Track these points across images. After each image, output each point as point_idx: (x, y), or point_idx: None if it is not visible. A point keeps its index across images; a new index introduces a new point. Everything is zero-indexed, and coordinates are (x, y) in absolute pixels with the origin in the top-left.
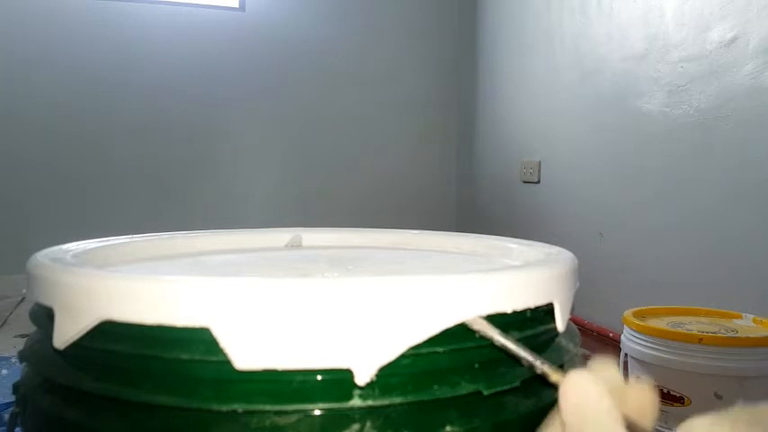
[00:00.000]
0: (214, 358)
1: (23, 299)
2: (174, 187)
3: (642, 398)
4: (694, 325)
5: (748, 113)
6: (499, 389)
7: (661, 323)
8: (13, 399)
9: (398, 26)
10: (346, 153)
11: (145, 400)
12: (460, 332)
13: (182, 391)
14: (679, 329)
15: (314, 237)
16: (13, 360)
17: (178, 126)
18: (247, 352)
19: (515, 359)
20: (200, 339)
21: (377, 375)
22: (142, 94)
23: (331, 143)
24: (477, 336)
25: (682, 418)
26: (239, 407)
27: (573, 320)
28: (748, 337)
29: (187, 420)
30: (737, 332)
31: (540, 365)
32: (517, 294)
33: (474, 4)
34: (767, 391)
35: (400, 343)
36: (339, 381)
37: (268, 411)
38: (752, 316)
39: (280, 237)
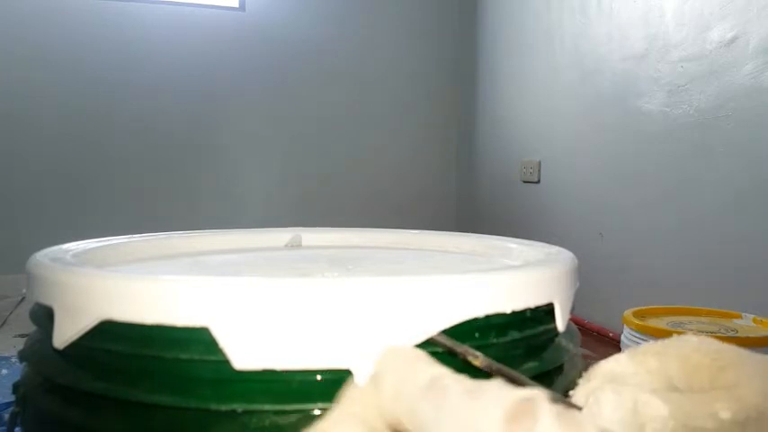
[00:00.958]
0: (213, 358)
1: (23, 299)
2: (173, 187)
3: None
4: (694, 325)
5: (748, 113)
6: None
7: (661, 323)
8: (13, 399)
9: (398, 26)
10: (346, 153)
11: (144, 399)
12: (460, 332)
13: (181, 390)
14: (679, 329)
15: (314, 236)
16: (13, 360)
17: (178, 126)
18: (246, 352)
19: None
20: (200, 339)
21: None
22: (142, 94)
23: (331, 143)
24: (476, 335)
25: None
26: (238, 407)
27: (573, 320)
28: (748, 337)
29: (186, 420)
30: (737, 332)
31: (462, 350)
32: (517, 294)
33: (474, 4)
34: None
35: (399, 343)
36: (339, 381)
37: (267, 411)
38: (752, 316)
39: (279, 237)
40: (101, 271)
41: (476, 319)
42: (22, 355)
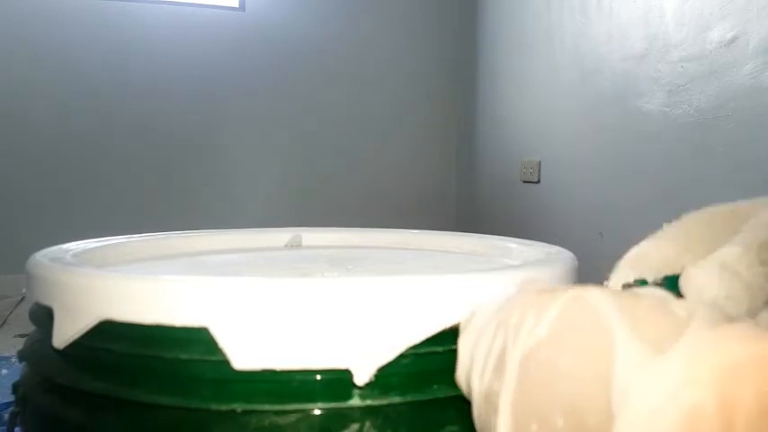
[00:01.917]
0: (213, 358)
1: (23, 299)
2: (173, 187)
3: None
4: None
5: (748, 113)
6: None
7: None
8: (13, 398)
9: (398, 26)
10: (346, 153)
11: (144, 399)
12: (457, 332)
13: (181, 390)
14: None
15: (314, 236)
16: (13, 360)
17: (178, 126)
18: (246, 352)
19: None
20: (199, 339)
21: (376, 375)
22: (142, 94)
23: (331, 143)
24: None
25: None
26: (238, 406)
27: None
28: None
29: (186, 420)
30: None
31: None
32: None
33: (474, 4)
34: None
35: (399, 343)
36: (338, 381)
37: (267, 411)
38: None
39: (280, 237)
40: (100, 271)
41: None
42: (22, 355)
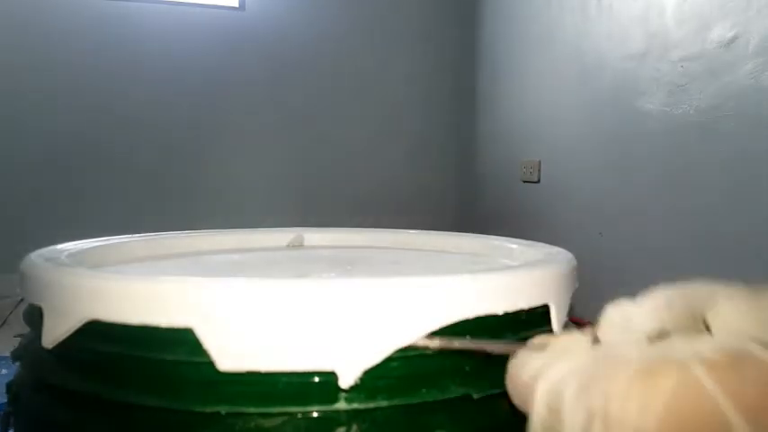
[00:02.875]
0: (198, 359)
1: (23, 299)
2: (174, 186)
3: None
4: None
5: (748, 113)
6: (490, 393)
7: None
8: None
9: (398, 26)
10: (346, 153)
11: (129, 400)
12: (450, 334)
13: (166, 392)
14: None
15: (315, 236)
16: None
17: (178, 125)
18: (231, 353)
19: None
20: (184, 340)
21: (363, 378)
22: (142, 94)
23: (331, 143)
24: (467, 338)
25: None
26: (223, 409)
27: (573, 320)
28: None
29: (171, 422)
30: None
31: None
32: (509, 295)
33: (474, 3)
34: None
35: (386, 345)
36: (324, 384)
37: (252, 414)
38: None
39: (282, 236)
40: (87, 271)
41: (466, 321)
42: (15, 355)
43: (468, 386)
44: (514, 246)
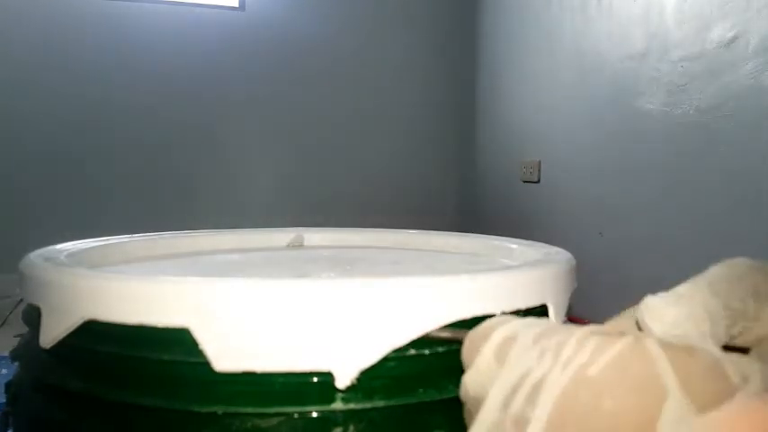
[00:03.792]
0: (194, 359)
1: (23, 298)
2: (173, 186)
3: None
4: None
5: (748, 113)
6: None
7: None
8: None
9: (398, 26)
10: (346, 153)
11: (126, 400)
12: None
13: (163, 392)
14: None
15: (316, 236)
16: None
17: (178, 125)
18: (227, 354)
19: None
20: (181, 340)
21: (359, 378)
22: (142, 94)
23: (331, 143)
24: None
25: None
26: (220, 409)
27: (572, 320)
28: None
29: (167, 422)
30: None
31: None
32: (506, 296)
33: (474, 4)
34: None
35: (382, 345)
36: (320, 384)
37: (249, 414)
38: None
39: (282, 236)
40: (84, 271)
41: (462, 322)
42: (13, 355)
43: None
44: (514, 246)
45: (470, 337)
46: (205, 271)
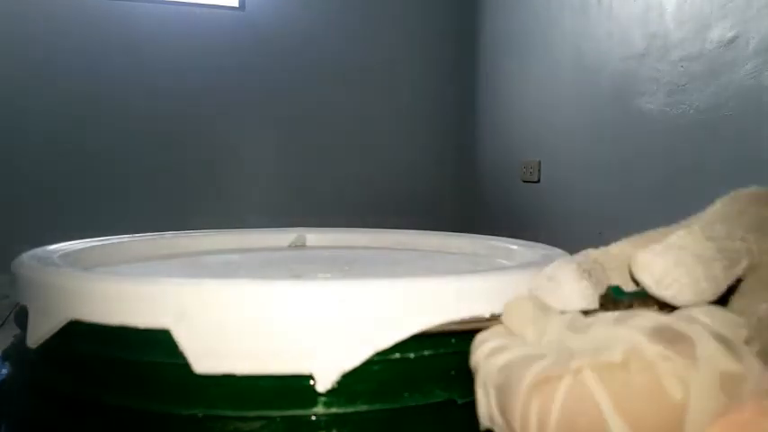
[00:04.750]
0: (174, 361)
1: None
2: (173, 186)
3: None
4: None
5: (748, 113)
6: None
7: None
8: None
9: (398, 26)
10: (346, 153)
11: (108, 401)
12: (434, 337)
13: (143, 393)
14: None
15: (317, 237)
16: None
17: (178, 125)
18: (207, 355)
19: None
20: (161, 341)
21: (342, 382)
22: (141, 94)
23: (331, 143)
24: (452, 341)
25: None
26: (200, 412)
27: None
28: None
29: (148, 423)
30: None
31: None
32: (495, 297)
33: (474, 4)
34: None
35: (365, 348)
36: (302, 387)
37: (230, 417)
38: None
39: (283, 237)
40: (68, 271)
41: (449, 324)
42: (4, 355)
43: (452, 391)
44: (514, 247)
45: (472, 356)
46: (200, 271)
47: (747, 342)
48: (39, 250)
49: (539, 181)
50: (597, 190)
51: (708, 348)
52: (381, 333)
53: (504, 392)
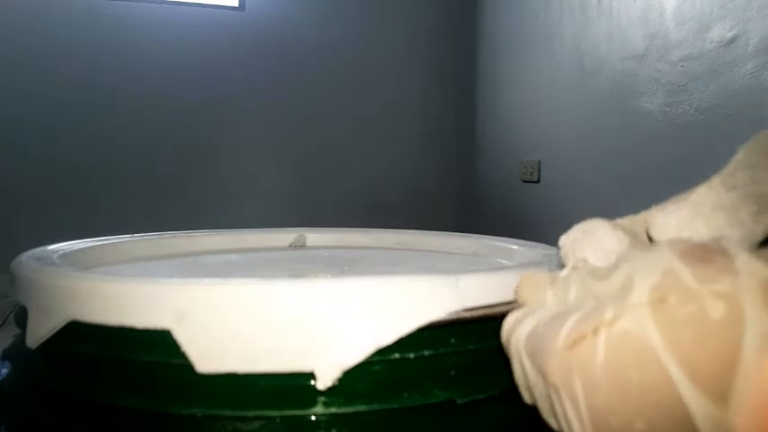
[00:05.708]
0: (175, 361)
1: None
2: (173, 186)
3: None
4: None
5: (749, 113)
6: (474, 397)
7: None
8: None
9: (398, 26)
10: (346, 153)
11: (108, 401)
12: (435, 337)
13: (143, 393)
14: None
15: (318, 237)
16: None
17: (178, 125)
18: (207, 355)
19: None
20: (161, 342)
21: (342, 381)
22: (141, 94)
23: (331, 143)
24: (452, 341)
25: None
26: (199, 411)
27: None
28: None
29: (147, 423)
30: None
31: None
32: (494, 296)
33: (474, 3)
34: None
35: (365, 346)
36: (302, 387)
37: (229, 417)
38: None
39: (284, 237)
40: (67, 271)
41: (448, 322)
42: (5, 355)
43: (451, 390)
44: (515, 246)
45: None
46: (200, 271)
47: None
48: (38, 250)
49: (539, 181)
50: (597, 190)
51: (743, 258)
52: (382, 331)
53: (538, 357)
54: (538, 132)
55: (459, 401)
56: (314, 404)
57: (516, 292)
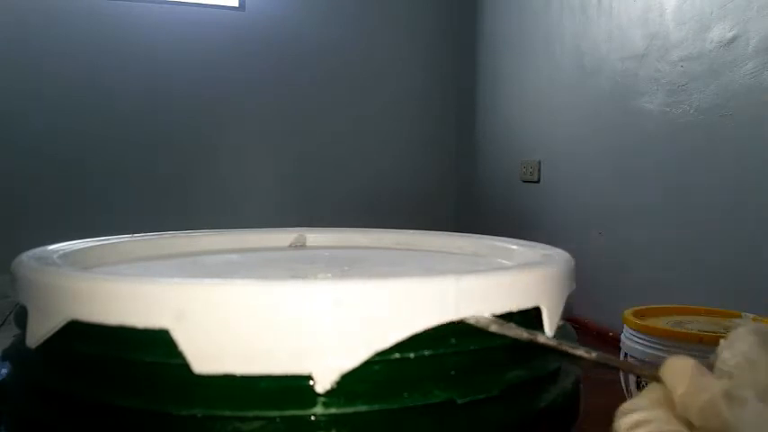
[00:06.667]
0: (174, 361)
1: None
2: (172, 186)
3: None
4: (694, 324)
5: (748, 112)
6: (474, 398)
7: (661, 322)
8: None
9: (398, 26)
10: (346, 153)
11: (107, 401)
12: (435, 337)
13: (142, 393)
14: (679, 329)
15: (318, 237)
16: None
17: (177, 125)
18: (206, 356)
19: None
20: (160, 341)
21: (341, 382)
22: (142, 94)
23: (331, 143)
24: (453, 341)
25: None
26: (199, 412)
27: (572, 320)
28: None
29: (147, 424)
30: None
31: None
32: (496, 297)
33: (474, 3)
34: None
35: (365, 348)
36: (301, 387)
37: (229, 417)
38: (752, 315)
39: (284, 237)
40: (66, 270)
41: (450, 324)
42: (5, 355)
43: (451, 391)
44: (515, 246)
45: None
46: (200, 271)
47: None
48: (38, 250)
49: (539, 181)
50: (597, 190)
51: None
52: (381, 333)
53: None
54: (538, 132)
55: (459, 401)
56: (314, 404)
57: (660, 372)
